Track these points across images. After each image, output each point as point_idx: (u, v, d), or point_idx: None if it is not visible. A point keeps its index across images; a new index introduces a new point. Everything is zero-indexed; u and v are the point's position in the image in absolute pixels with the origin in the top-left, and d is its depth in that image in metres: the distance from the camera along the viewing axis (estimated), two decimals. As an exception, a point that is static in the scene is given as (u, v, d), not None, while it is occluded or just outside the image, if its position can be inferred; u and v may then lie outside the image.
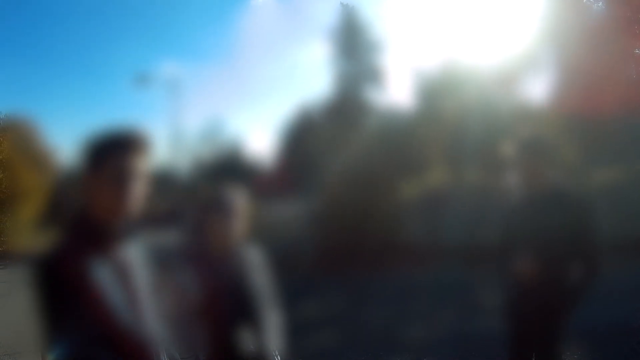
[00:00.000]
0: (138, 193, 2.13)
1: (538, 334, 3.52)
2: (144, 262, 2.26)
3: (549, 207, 3.34)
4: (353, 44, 10.96)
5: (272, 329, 3.21)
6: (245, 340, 3.07)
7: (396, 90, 11.00)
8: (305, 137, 9.65)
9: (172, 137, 9.89)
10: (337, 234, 8.51)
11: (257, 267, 3.19)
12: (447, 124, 8.55)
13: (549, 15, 8.88)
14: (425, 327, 5.69)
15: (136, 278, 2.17)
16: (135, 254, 2.21)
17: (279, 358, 3.18)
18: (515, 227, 3.44)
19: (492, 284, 3.74)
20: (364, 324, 5.94)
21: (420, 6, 15.57)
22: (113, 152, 2.16)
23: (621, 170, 6.68)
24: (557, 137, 3.67)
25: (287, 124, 9.38)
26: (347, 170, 9.03)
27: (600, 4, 9.87)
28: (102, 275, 2.05)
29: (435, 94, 9.37)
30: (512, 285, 3.50)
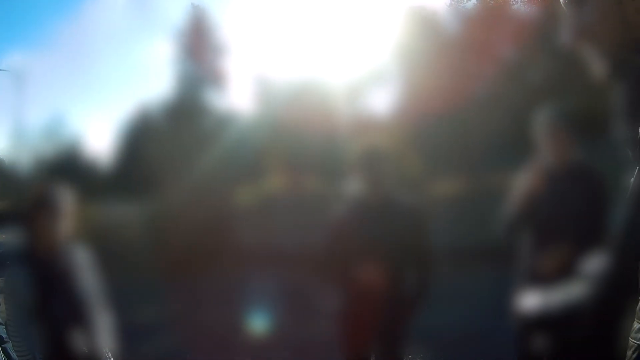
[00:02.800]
0: None
1: (378, 342, 3.65)
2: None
3: (385, 216, 3.46)
4: (198, 46, 10.88)
5: (104, 330, 3.17)
6: (78, 340, 3.02)
7: (238, 96, 11.04)
8: (144, 137, 9.45)
9: (14, 131, 9.42)
10: (174, 236, 8.39)
11: (84, 268, 3.15)
12: (287, 131, 8.66)
13: (402, 31, 9.24)
14: (263, 332, 5.76)
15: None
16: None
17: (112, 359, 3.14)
18: (350, 235, 3.53)
19: (326, 290, 3.83)
20: (200, 326, 5.92)
21: (271, 15, 15.69)
22: None
23: (463, 182, 7.05)
24: (399, 147, 3.83)
25: (126, 123, 9.14)
26: (185, 173, 8.93)
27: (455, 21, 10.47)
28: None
29: (276, 101, 9.47)
30: (347, 293, 3.58)
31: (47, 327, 2.94)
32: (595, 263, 2.79)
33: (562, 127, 3.38)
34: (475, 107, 7.57)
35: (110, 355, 3.09)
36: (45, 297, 2.94)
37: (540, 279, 3.30)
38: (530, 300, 3.28)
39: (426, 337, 4.24)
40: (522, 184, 3.43)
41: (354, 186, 3.64)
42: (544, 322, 3.22)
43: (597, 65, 1.69)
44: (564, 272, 3.17)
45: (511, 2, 10.29)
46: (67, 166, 7.67)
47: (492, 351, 4.46)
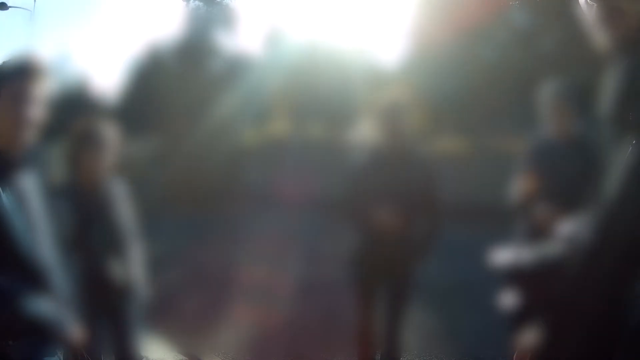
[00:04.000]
0: (35, 120, 2.18)
1: (387, 284, 3.86)
2: (38, 192, 2.33)
3: (402, 165, 3.62)
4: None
5: (137, 261, 3.34)
6: (115, 270, 3.19)
7: (248, 39, 11.03)
8: (153, 76, 9.48)
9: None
10: (180, 174, 8.52)
11: (122, 201, 3.30)
12: (297, 78, 8.73)
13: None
14: (267, 272, 5.92)
15: (34, 206, 2.24)
16: (31, 182, 2.28)
17: (145, 289, 3.32)
18: (368, 181, 3.70)
19: (335, 234, 4.01)
20: (205, 265, 6.07)
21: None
22: (9, 78, 2.17)
23: (469, 141, 7.17)
24: (410, 101, 3.97)
25: (135, 61, 9.16)
26: (194, 113, 9.01)
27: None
28: (3, 203, 2.09)
29: (287, 46, 9.50)
30: (363, 236, 3.77)
31: (85, 258, 3.09)
32: (576, 226, 2.96)
33: (565, 101, 3.49)
34: (485, 69, 7.66)
35: (144, 285, 3.27)
36: (86, 228, 3.09)
37: (532, 235, 3.47)
38: (504, 255, 3.47)
39: (424, 285, 4.43)
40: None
41: (369, 135, 3.81)
42: (516, 276, 3.40)
43: (607, 36, 1.77)
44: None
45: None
46: (75, 102, 7.72)
47: (484, 299, 4.68)
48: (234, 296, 5.47)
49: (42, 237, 2.24)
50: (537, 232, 3.41)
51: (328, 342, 5.03)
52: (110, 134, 3.20)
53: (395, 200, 3.69)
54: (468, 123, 7.20)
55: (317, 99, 8.40)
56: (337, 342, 4.92)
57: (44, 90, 2.18)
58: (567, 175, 3.41)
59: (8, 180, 2.10)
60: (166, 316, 5.01)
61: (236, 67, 9.49)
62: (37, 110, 2.16)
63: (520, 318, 3.42)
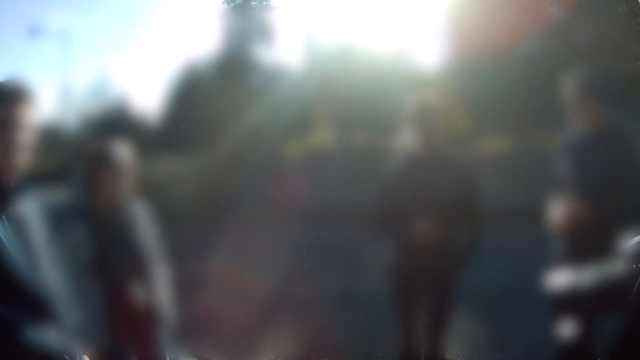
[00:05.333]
0: (25, 145, 2.11)
1: (428, 295, 3.70)
2: (39, 218, 2.25)
3: (438, 170, 3.48)
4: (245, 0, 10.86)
5: (162, 283, 3.25)
6: (138, 295, 3.11)
7: (285, 50, 11.00)
8: (192, 93, 9.53)
9: (61, 92, 9.55)
10: (222, 191, 8.51)
11: (143, 222, 3.22)
12: (335, 86, 8.64)
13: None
14: (312, 285, 5.83)
15: (33, 234, 2.16)
16: (30, 210, 2.20)
17: (170, 312, 3.23)
18: (403, 189, 3.56)
19: (377, 245, 3.87)
20: (249, 281, 6.01)
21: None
22: None
23: (511, 141, 6.99)
24: (448, 104, 3.83)
25: (174, 79, 9.21)
26: (233, 127, 9.00)
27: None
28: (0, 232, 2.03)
29: (324, 55, 9.44)
30: (400, 246, 3.62)
31: (107, 282, 3.03)
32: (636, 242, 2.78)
33: (590, 93, 3.35)
34: (522, 65, 7.46)
35: (168, 308, 3.19)
36: (107, 252, 3.02)
37: (572, 243, 3.32)
38: (562, 278, 3.29)
39: (467, 294, 4.27)
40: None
41: (405, 141, 3.67)
42: (575, 300, 3.23)
43: None
44: (593, 235, 3.18)
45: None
46: (115, 123, 7.77)
47: (530, 310, 4.48)
48: (274, 309, 5.39)
49: (45, 264, 2.16)
50: (581, 253, 3.26)
51: (370, 356, 4.90)
52: (125, 155, 3.11)
53: (432, 209, 3.52)
54: (509, 122, 7.01)
55: (358, 107, 8.30)
56: (378, 356, 4.79)
57: (33, 115, 2.10)
58: (600, 167, 3.26)
59: (2, 207, 2.02)
60: (202, 338, 4.96)
61: (275, 79, 9.47)
62: (27, 135, 2.09)
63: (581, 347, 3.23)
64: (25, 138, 2.05)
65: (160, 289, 3.19)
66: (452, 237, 3.58)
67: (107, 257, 3.05)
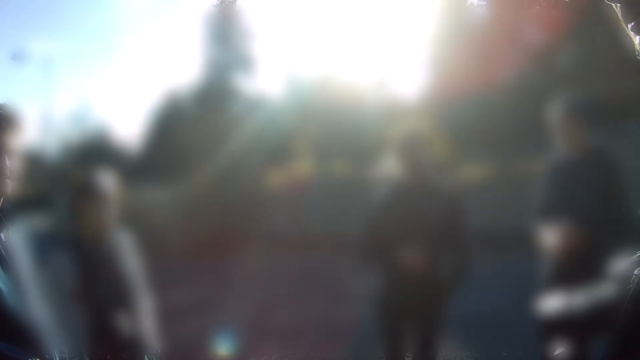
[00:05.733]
0: (13, 172, 2.09)
1: (415, 323, 3.69)
2: (24, 246, 2.23)
3: (424, 198, 3.49)
4: (226, 31, 10.92)
5: (146, 312, 3.23)
6: (122, 324, 3.08)
7: (266, 80, 11.09)
8: (173, 122, 9.54)
9: (43, 117, 9.53)
10: (204, 220, 8.50)
11: (128, 252, 3.20)
12: (315, 115, 8.71)
13: (431, 16, 9.23)
14: (293, 313, 5.82)
15: (19, 262, 2.14)
16: (15, 237, 2.18)
17: (153, 340, 3.20)
18: (390, 217, 3.56)
19: (360, 273, 3.88)
20: (232, 310, 5.98)
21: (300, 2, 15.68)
22: None
23: (491, 168, 7.06)
24: (430, 131, 3.86)
25: (155, 108, 9.22)
26: (214, 156, 9.02)
27: (484, 6, 10.40)
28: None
29: (305, 85, 9.51)
30: (387, 274, 3.62)
31: (90, 311, 3.00)
32: (627, 264, 2.79)
33: (574, 116, 3.38)
34: (503, 92, 7.57)
35: (152, 338, 3.17)
36: (90, 281, 3.01)
37: (561, 265, 3.32)
38: (553, 302, 3.30)
39: (455, 321, 4.28)
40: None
41: (390, 169, 3.68)
42: (566, 324, 3.23)
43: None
44: (581, 257, 3.19)
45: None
46: (97, 151, 7.75)
47: (520, 336, 4.50)
48: (257, 337, 5.37)
49: (31, 293, 2.15)
50: (571, 275, 3.27)
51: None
52: (110, 184, 3.11)
53: (419, 236, 3.53)
54: (490, 148, 7.10)
55: (338, 136, 8.37)
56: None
57: (20, 141, 2.10)
58: (587, 190, 3.28)
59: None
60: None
61: (256, 109, 9.53)
62: (15, 162, 2.08)
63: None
64: (13, 164, 2.05)
65: (144, 317, 3.17)
66: (440, 264, 3.59)
67: (91, 286, 3.03)
